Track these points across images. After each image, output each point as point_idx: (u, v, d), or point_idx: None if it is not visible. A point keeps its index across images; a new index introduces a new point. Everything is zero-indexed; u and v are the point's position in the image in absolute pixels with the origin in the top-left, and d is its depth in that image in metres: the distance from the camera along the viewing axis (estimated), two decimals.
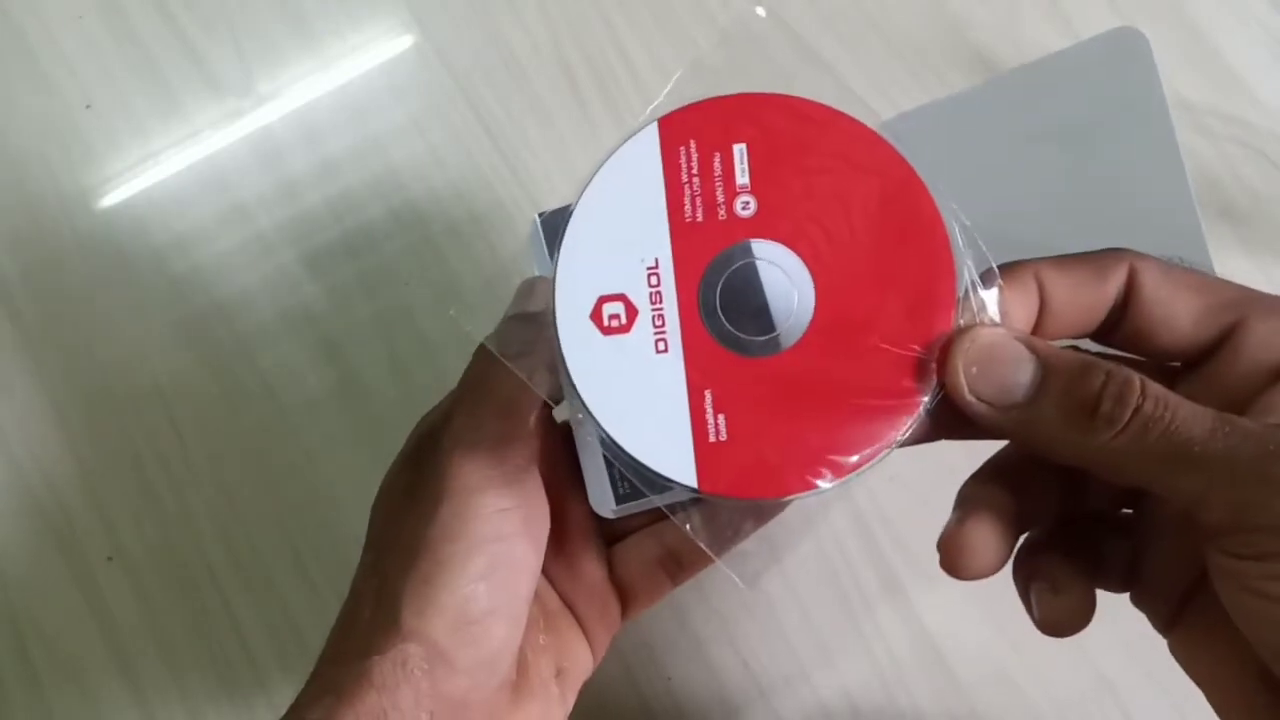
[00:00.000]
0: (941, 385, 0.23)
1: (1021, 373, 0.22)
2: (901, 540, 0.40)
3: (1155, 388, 0.21)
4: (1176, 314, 0.23)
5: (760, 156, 0.24)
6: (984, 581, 0.39)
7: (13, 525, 0.41)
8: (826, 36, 0.46)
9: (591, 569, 0.31)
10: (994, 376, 0.22)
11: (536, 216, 0.31)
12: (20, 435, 0.42)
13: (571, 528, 0.31)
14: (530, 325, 0.27)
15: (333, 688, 0.25)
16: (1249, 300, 0.23)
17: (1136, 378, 0.21)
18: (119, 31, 0.46)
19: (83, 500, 0.41)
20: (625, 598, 0.31)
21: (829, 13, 0.46)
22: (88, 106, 0.45)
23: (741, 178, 0.24)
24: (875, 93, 0.45)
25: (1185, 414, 0.21)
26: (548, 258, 0.31)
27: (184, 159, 0.45)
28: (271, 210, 0.44)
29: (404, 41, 0.46)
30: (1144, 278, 0.23)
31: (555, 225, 0.31)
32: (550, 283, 0.24)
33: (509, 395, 0.27)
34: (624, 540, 0.32)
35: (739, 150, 0.24)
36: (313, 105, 0.45)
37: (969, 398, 0.22)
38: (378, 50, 0.46)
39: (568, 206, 0.31)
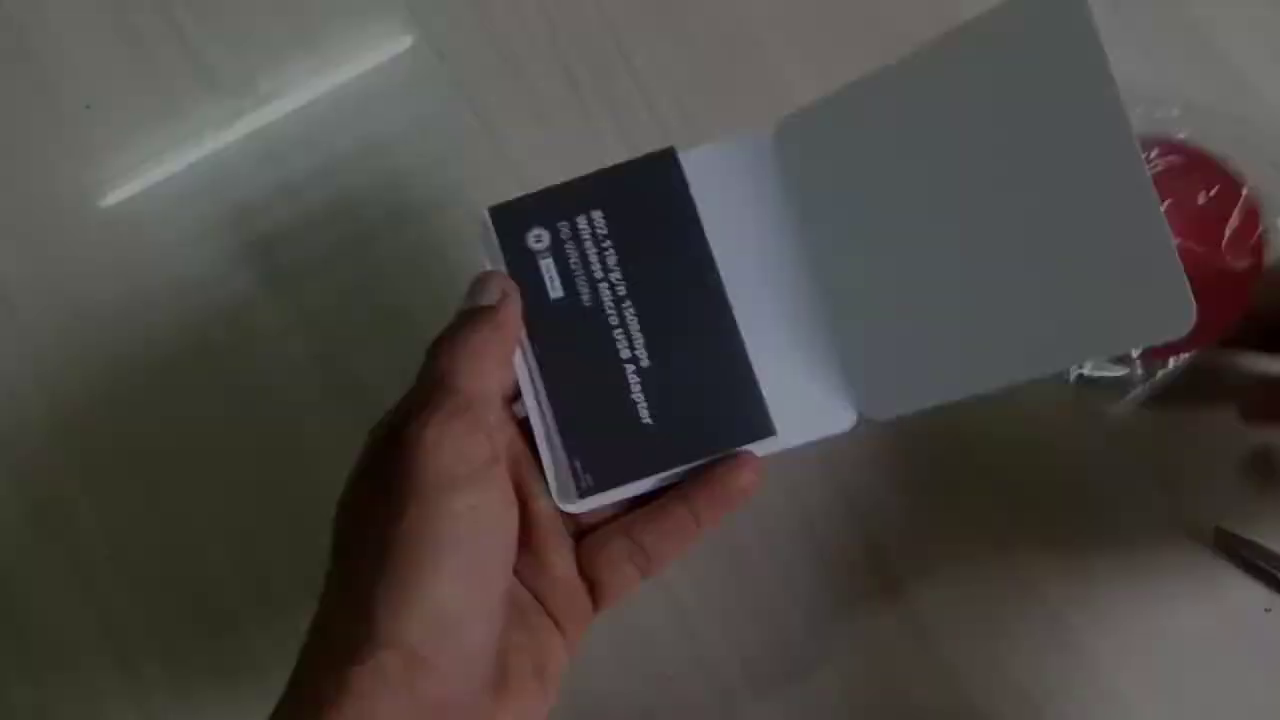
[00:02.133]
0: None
1: None
2: (903, 540, 0.40)
3: None
4: None
5: None
6: (982, 581, 0.39)
7: (13, 525, 0.41)
8: (826, 35, 0.46)
9: (560, 564, 0.30)
10: None
11: (485, 212, 0.31)
12: (20, 435, 0.42)
13: (537, 524, 0.30)
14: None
15: (313, 699, 0.24)
16: None
17: None
18: (119, 31, 0.46)
19: (82, 500, 0.41)
20: (595, 592, 0.31)
21: (830, 12, 0.46)
22: (88, 106, 0.45)
23: None
24: None
25: None
26: (500, 252, 0.31)
27: (184, 159, 0.45)
28: (272, 210, 0.44)
29: (404, 41, 0.46)
30: None
31: (506, 219, 0.31)
32: None
33: (469, 391, 0.27)
34: (591, 534, 0.31)
35: None
36: (313, 105, 0.45)
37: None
38: (378, 50, 0.46)
39: (519, 197, 0.30)
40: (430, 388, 0.28)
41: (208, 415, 0.42)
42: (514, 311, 0.30)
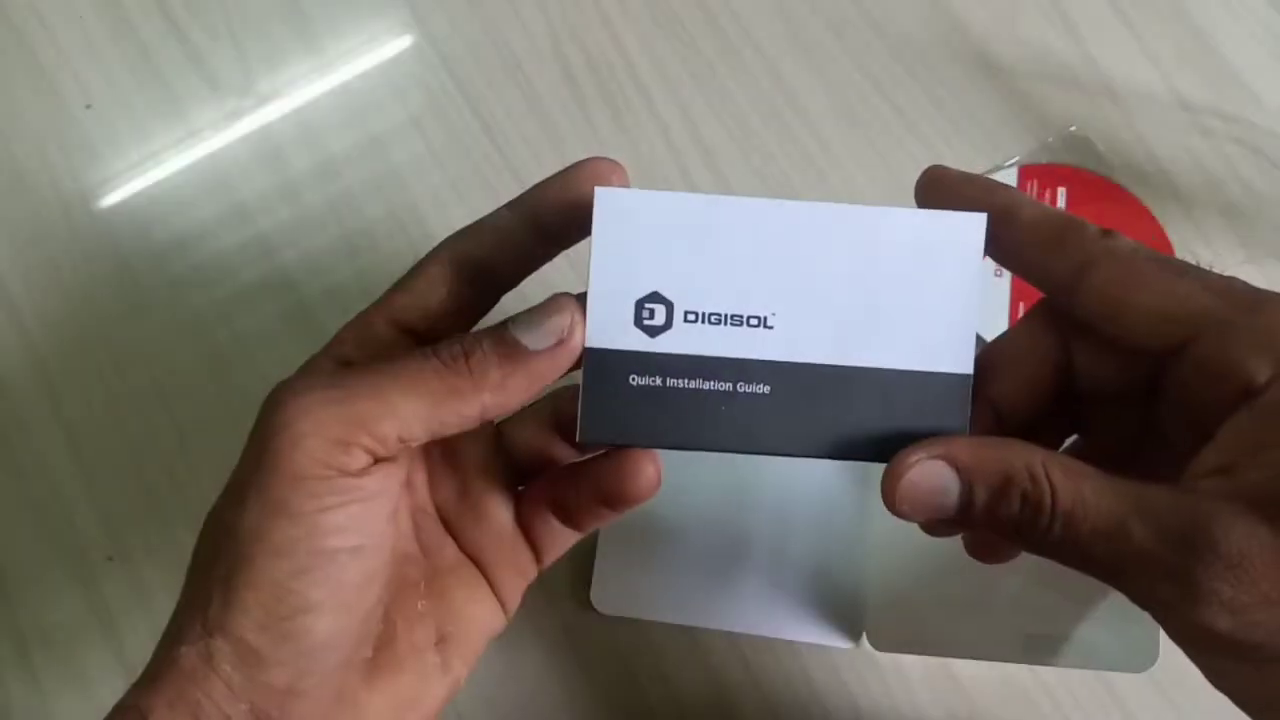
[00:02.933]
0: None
1: (948, 495, 0.23)
2: None
3: (1065, 502, 0.22)
4: (1129, 318, 0.23)
5: None
6: None
7: (13, 525, 0.41)
8: (827, 36, 0.46)
9: (498, 513, 0.28)
10: (923, 504, 0.24)
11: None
12: (19, 435, 0.42)
13: (473, 471, 0.28)
14: None
15: (148, 675, 0.24)
16: (1206, 314, 0.23)
17: (1046, 498, 0.22)
18: (119, 31, 0.46)
19: (83, 500, 0.41)
20: (535, 546, 0.29)
21: (830, 13, 0.46)
22: (88, 106, 0.45)
23: None
24: (876, 94, 0.45)
25: (1086, 532, 0.22)
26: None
27: (184, 159, 0.45)
28: (271, 210, 0.44)
29: (404, 41, 0.46)
30: (1098, 270, 0.23)
31: None
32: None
33: (372, 340, 0.27)
34: (531, 484, 0.29)
35: None
36: (313, 105, 0.45)
37: (910, 519, 0.24)
38: (378, 50, 0.46)
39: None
40: (325, 352, 0.28)
41: (207, 415, 0.42)
42: (533, 382, 0.25)
